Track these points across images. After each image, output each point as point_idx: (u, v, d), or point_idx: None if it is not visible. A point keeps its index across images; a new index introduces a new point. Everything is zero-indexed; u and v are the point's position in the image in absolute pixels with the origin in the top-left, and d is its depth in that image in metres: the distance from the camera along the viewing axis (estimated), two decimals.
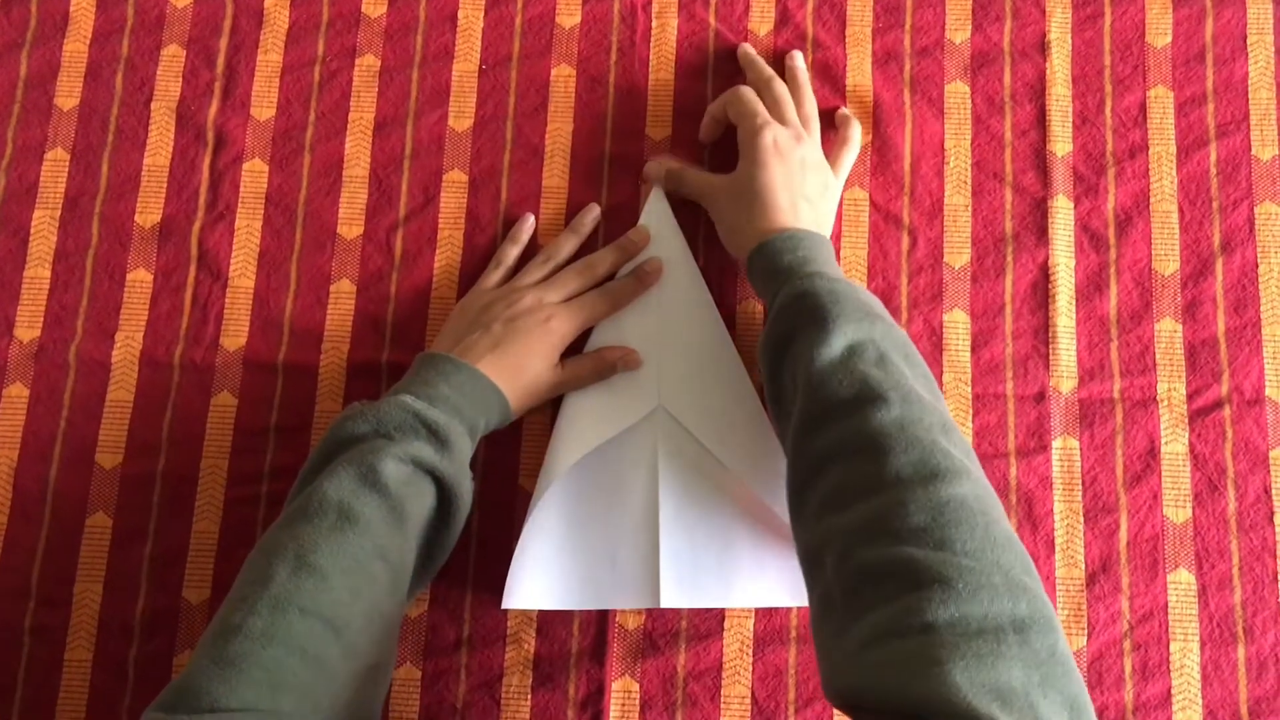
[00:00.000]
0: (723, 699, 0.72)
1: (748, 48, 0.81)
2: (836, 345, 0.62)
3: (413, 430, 0.65)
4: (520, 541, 0.73)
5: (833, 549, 0.57)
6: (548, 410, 0.76)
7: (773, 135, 0.73)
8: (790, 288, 0.66)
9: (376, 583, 0.61)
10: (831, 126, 0.80)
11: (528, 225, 0.79)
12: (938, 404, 0.62)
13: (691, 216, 0.79)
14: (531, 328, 0.72)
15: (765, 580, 0.72)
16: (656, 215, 0.79)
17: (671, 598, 0.72)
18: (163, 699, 0.55)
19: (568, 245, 0.78)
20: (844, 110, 0.80)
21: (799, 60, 0.80)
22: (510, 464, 0.76)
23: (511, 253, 0.78)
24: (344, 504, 0.61)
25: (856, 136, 0.79)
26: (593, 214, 0.79)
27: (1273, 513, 0.74)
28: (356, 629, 0.59)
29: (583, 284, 0.76)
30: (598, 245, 0.79)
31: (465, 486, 0.66)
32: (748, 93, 0.76)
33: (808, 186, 0.73)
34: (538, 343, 0.72)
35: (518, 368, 0.71)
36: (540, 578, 0.73)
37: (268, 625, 0.56)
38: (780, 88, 0.77)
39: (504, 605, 0.72)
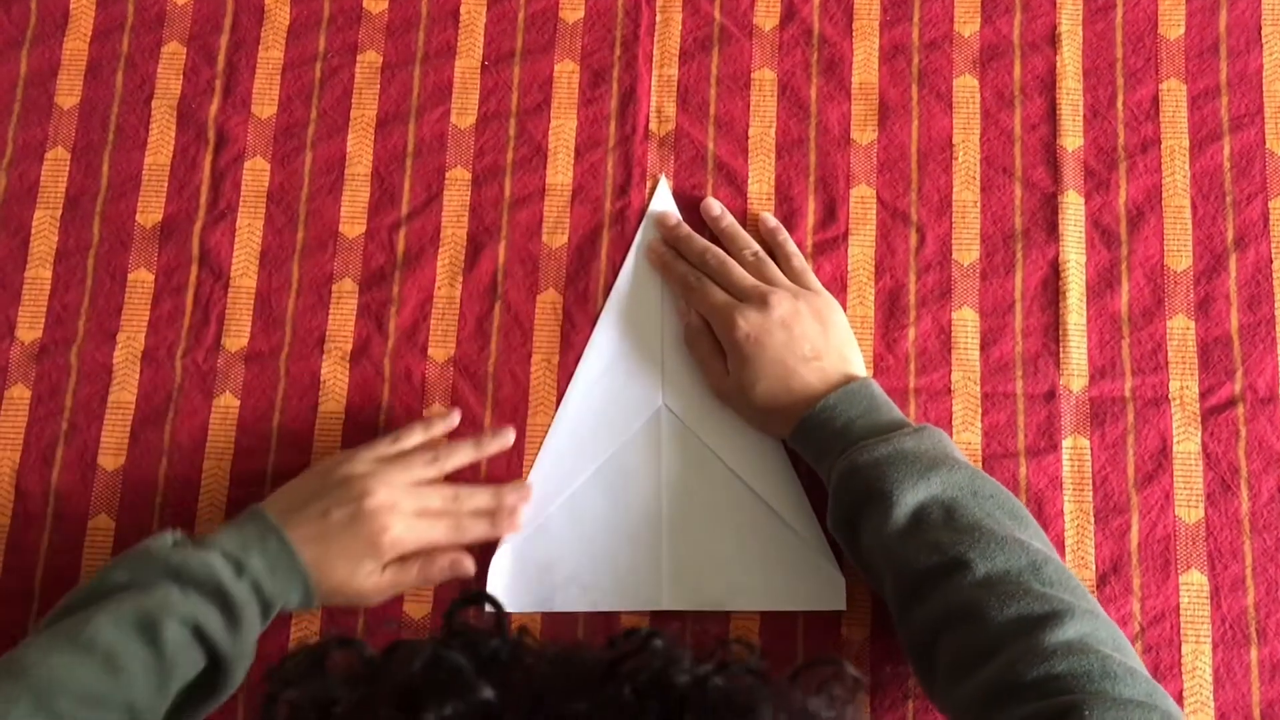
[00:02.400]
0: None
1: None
2: (900, 517, 0.62)
3: (209, 597, 0.61)
4: (516, 543, 0.72)
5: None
6: (549, 412, 0.75)
7: (744, 325, 0.70)
8: (837, 468, 0.66)
9: None
10: (764, 242, 0.77)
11: (450, 420, 0.73)
12: (1020, 534, 0.62)
13: (697, 215, 0.78)
14: (365, 533, 0.65)
15: (769, 583, 0.72)
16: (661, 208, 0.78)
17: (674, 600, 0.71)
18: None
19: (460, 456, 0.71)
20: (764, 215, 0.77)
21: (717, 209, 0.77)
22: (514, 467, 0.75)
23: (414, 438, 0.71)
24: (112, 650, 0.57)
25: (788, 237, 0.76)
26: (503, 438, 0.72)
27: None
28: None
29: (444, 508, 0.68)
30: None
31: (241, 668, 0.62)
32: (700, 290, 0.73)
33: (804, 347, 0.70)
34: (362, 549, 0.65)
35: (334, 567, 0.65)
36: (543, 580, 0.72)
37: None
38: (712, 257, 0.74)
39: (507, 609, 0.72)
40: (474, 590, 0.50)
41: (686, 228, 0.77)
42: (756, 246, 0.76)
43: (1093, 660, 0.55)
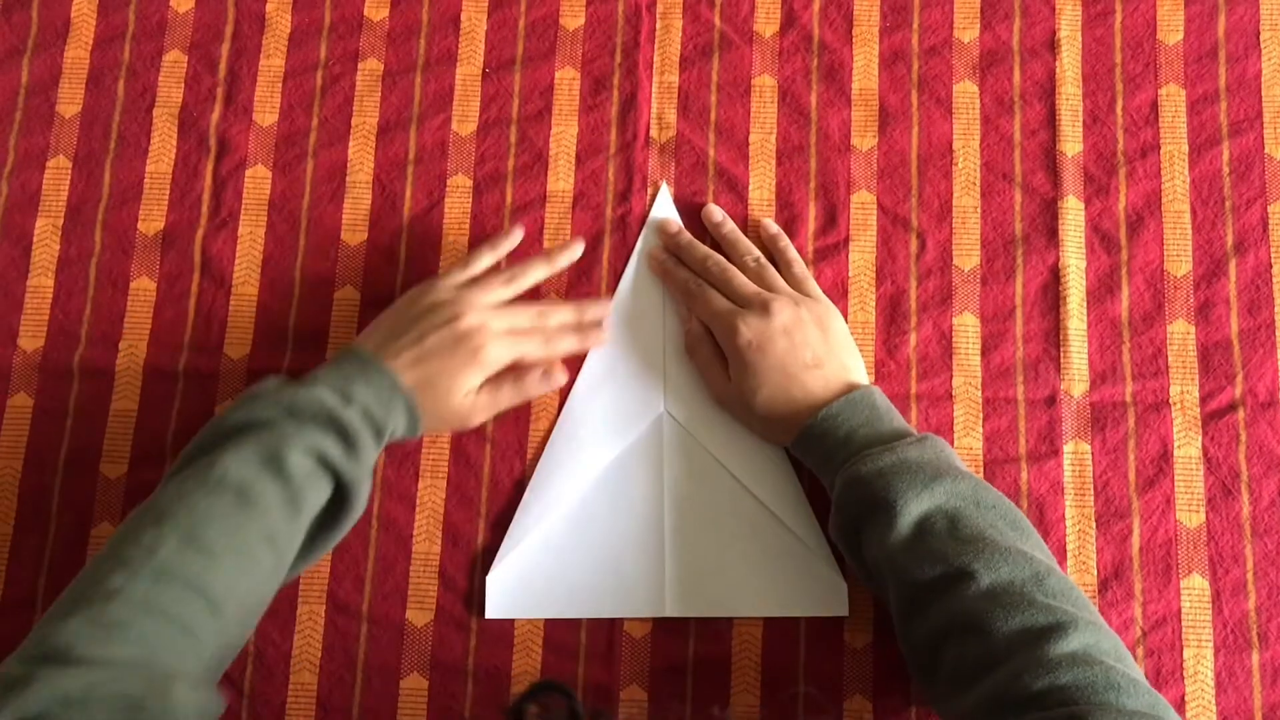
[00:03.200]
0: (731, 707, 0.71)
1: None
2: (903, 527, 0.62)
3: (324, 426, 0.64)
4: (518, 549, 0.72)
5: None
6: (550, 418, 0.75)
7: (745, 332, 0.70)
8: (840, 478, 0.66)
9: (260, 567, 0.61)
10: (765, 249, 0.77)
11: (513, 238, 0.75)
12: (1022, 545, 0.62)
13: (698, 222, 0.78)
14: (461, 351, 0.68)
15: (771, 589, 0.72)
16: (663, 215, 0.78)
17: (677, 607, 0.72)
18: (28, 651, 0.55)
19: (535, 272, 0.73)
20: (765, 222, 0.78)
21: (718, 215, 0.77)
22: (516, 472, 0.75)
23: (484, 261, 0.73)
24: (244, 485, 0.60)
25: (789, 244, 0.77)
26: (572, 251, 0.75)
27: None
28: (232, 610, 0.59)
29: (532, 325, 0.71)
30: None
31: (364, 492, 0.66)
32: (701, 297, 0.73)
33: (806, 354, 0.70)
34: (461, 368, 0.68)
35: (436, 389, 0.68)
36: (545, 586, 0.72)
37: (149, 594, 0.56)
38: (714, 264, 0.74)
39: (509, 615, 0.72)
40: (542, 681, 0.52)
41: (688, 234, 0.77)
42: (758, 253, 0.76)
43: (1096, 671, 0.55)
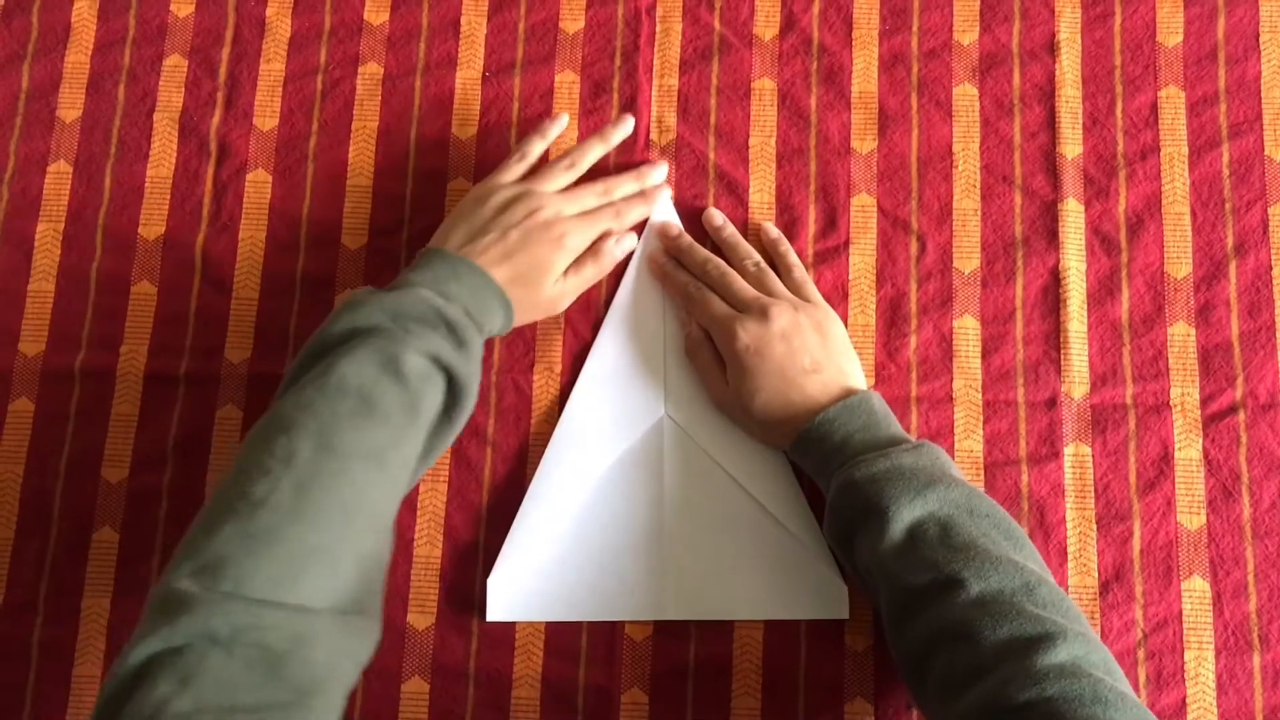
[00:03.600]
0: (732, 710, 0.71)
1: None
2: (896, 533, 0.62)
3: (432, 325, 0.65)
4: (519, 552, 0.72)
5: None
6: (551, 421, 0.75)
7: (744, 337, 0.70)
8: (835, 481, 0.66)
9: (387, 472, 0.61)
10: (765, 252, 0.77)
11: (560, 123, 0.77)
12: (1014, 555, 0.62)
13: (698, 225, 0.79)
14: (545, 241, 0.71)
15: (772, 592, 0.72)
16: (664, 219, 0.78)
17: (677, 610, 0.72)
18: (184, 568, 0.54)
19: (593, 153, 0.76)
20: (766, 226, 0.78)
21: (719, 219, 0.78)
22: (519, 473, 0.75)
23: (536, 148, 0.76)
24: (365, 390, 0.61)
25: (790, 249, 0.77)
26: (624, 126, 0.78)
27: None
28: (366, 516, 0.59)
29: (600, 203, 0.75)
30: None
31: (475, 385, 0.66)
32: (701, 301, 0.74)
33: (804, 359, 0.70)
34: (549, 257, 0.71)
35: (527, 280, 0.71)
36: (546, 589, 0.72)
37: (293, 503, 0.56)
38: (714, 267, 0.74)
39: (509, 618, 0.72)
40: None
41: (688, 238, 0.77)
42: (758, 257, 0.76)
43: (1084, 684, 0.54)
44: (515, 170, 0.75)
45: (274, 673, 0.52)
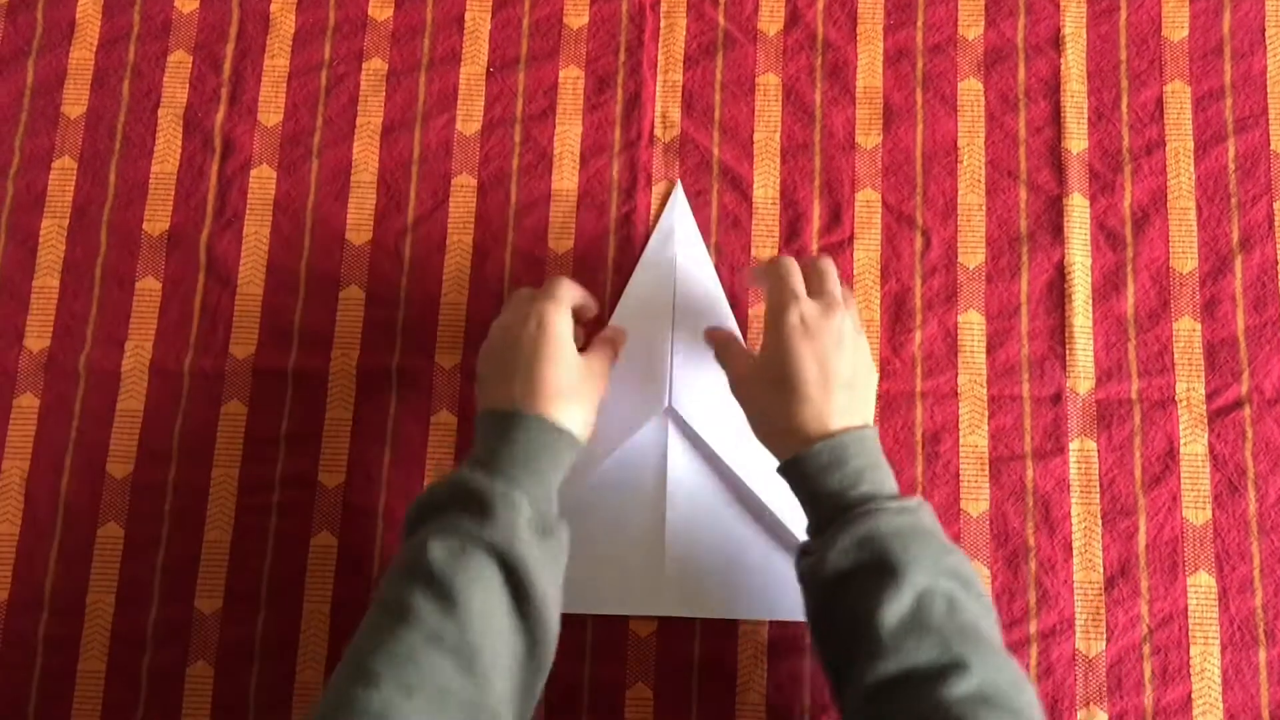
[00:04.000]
0: (737, 706, 0.71)
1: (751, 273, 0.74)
2: (906, 598, 0.58)
3: (455, 503, 0.61)
4: None
5: None
6: None
7: (799, 312, 0.65)
8: (854, 527, 0.61)
9: (436, 671, 0.55)
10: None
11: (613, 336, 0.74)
12: (995, 638, 0.59)
13: (704, 219, 0.78)
14: (525, 331, 0.66)
15: (770, 592, 0.72)
16: (678, 214, 0.78)
17: (676, 606, 0.72)
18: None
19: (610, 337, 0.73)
20: (817, 258, 0.73)
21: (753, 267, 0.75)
22: None
23: (568, 292, 0.71)
24: (395, 599, 0.57)
25: (834, 276, 0.70)
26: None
27: None
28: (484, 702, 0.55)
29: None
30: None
31: (525, 551, 0.59)
32: (785, 263, 0.68)
33: (843, 368, 0.65)
34: (538, 340, 0.66)
35: (543, 378, 0.65)
36: None
37: (389, 698, 0.54)
38: (785, 264, 0.69)
39: None
40: None
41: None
42: (795, 269, 0.70)
43: None
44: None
45: None
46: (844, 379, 0.65)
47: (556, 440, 0.64)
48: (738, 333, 0.76)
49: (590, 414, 0.67)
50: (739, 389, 0.69)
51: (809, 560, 0.62)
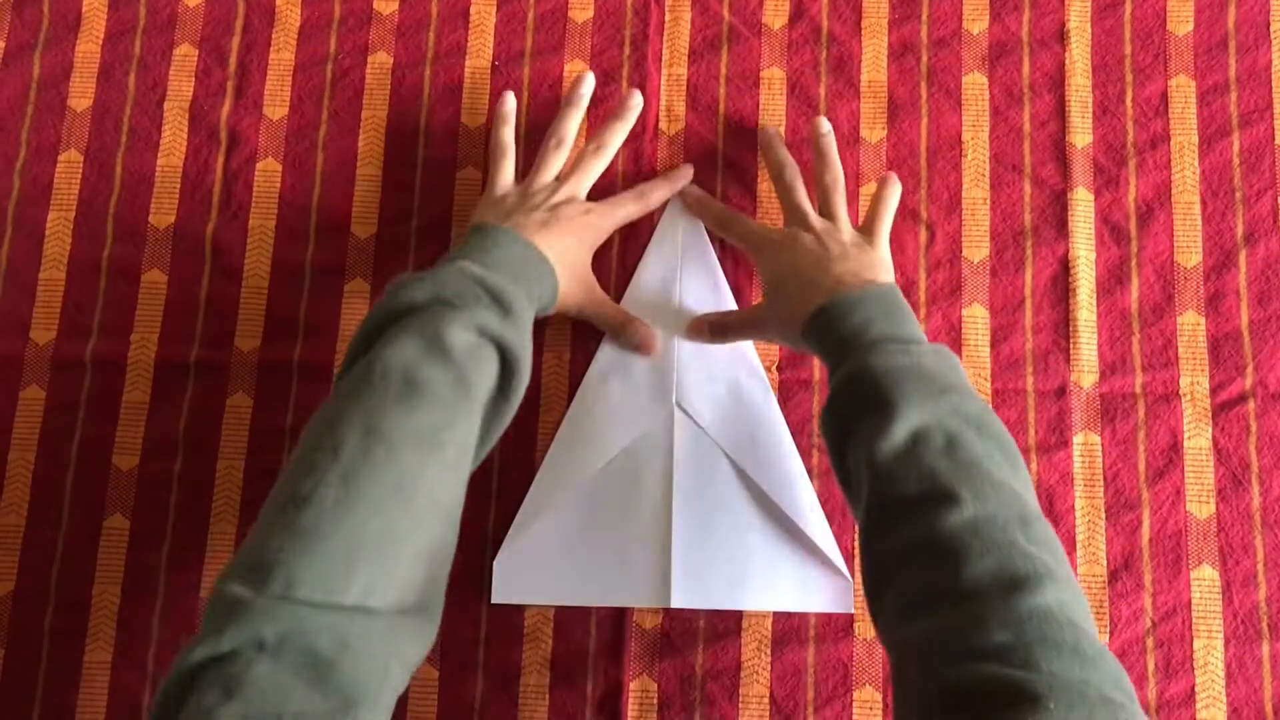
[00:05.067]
0: (741, 699, 0.71)
1: (770, 130, 0.79)
2: (899, 434, 0.58)
3: (475, 297, 0.63)
4: (525, 535, 0.73)
5: (913, 661, 0.53)
6: (561, 409, 0.76)
7: (776, 235, 0.72)
8: (848, 365, 0.62)
9: (443, 454, 0.58)
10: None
11: (510, 104, 0.79)
12: (1015, 484, 0.57)
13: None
14: (575, 217, 0.72)
15: (777, 584, 0.72)
16: (682, 209, 0.79)
17: (682, 598, 0.72)
18: (236, 569, 0.53)
19: (572, 123, 0.77)
20: (887, 174, 0.77)
21: (825, 127, 0.77)
22: (528, 460, 0.75)
23: (508, 136, 0.77)
24: (409, 372, 0.58)
25: (891, 193, 0.75)
26: (586, 84, 0.79)
27: None
28: (423, 502, 0.56)
29: (602, 168, 0.76)
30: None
31: (527, 356, 0.64)
32: (738, 219, 0.76)
33: (835, 249, 0.69)
34: (582, 231, 0.72)
35: (566, 250, 0.71)
36: (553, 574, 0.72)
37: (340, 495, 0.54)
38: (789, 175, 0.75)
39: (514, 601, 0.72)
40: None
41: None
42: (839, 176, 0.75)
43: (1065, 634, 0.50)
44: (504, 169, 0.76)
45: (321, 679, 0.50)
46: (834, 255, 0.69)
47: (548, 277, 0.69)
48: None
49: (573, 297, 0.73)
50: (766, 333, 0.74)
51: (822, 413, 0.64)
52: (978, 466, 0.57)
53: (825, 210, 0.73)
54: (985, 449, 0.58)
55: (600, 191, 0.78)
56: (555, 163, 0.76)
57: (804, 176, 0.76)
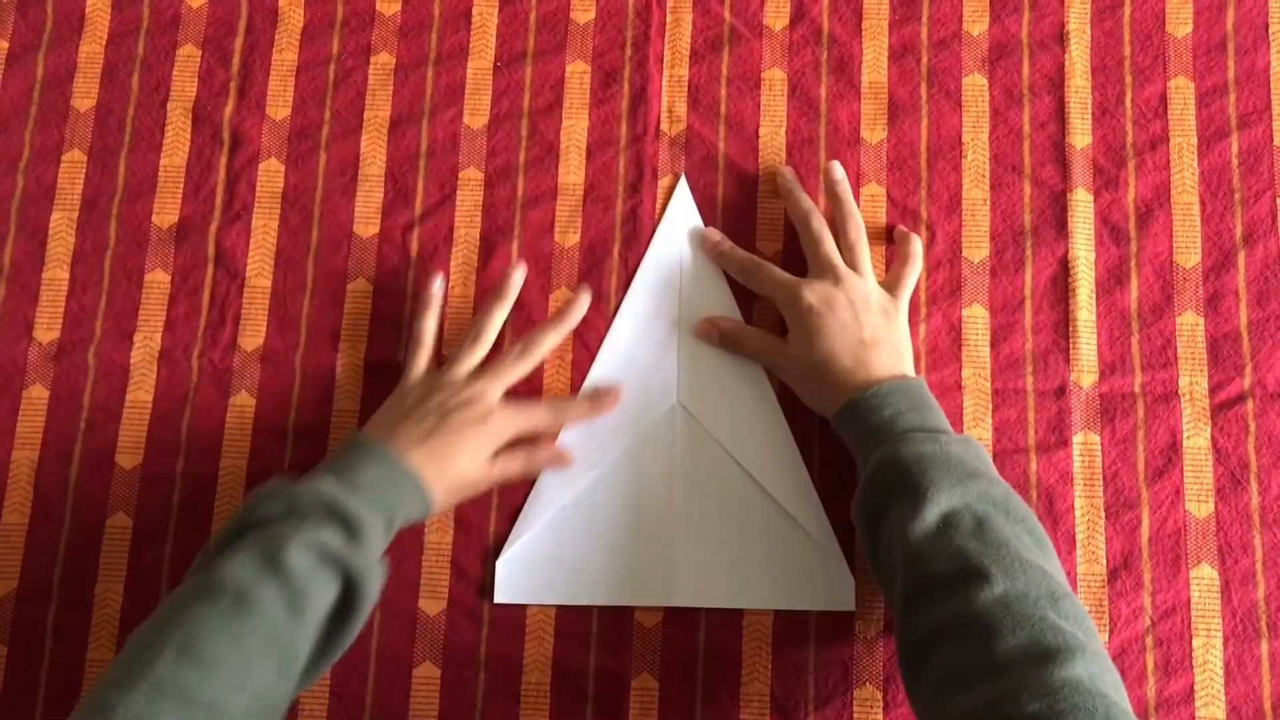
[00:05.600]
0: (742, 696, 0.72)
1: (787, 173, 0.78)
2: (930, 517, 0.61)
3: (324, 518, 0.62)
4: (528, 535, 0.73)
5: None
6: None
7: (809, 295, 0.71)
8: (878, 454, 0.65)
9: (264, 673, 0.58)
10: (890, 242, 0.78)
11: (436, 289, 0.75)
12: (1046, 564, 0.60)
13: (715, 211, 0.79)
14: (468, 423, 0.69)
15: (778, 583, 0.72)
16: (683, 209, 0.79)
17: (684, 596, 0.72)
18: None
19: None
20: (901, 228, 0.78)
21: (838, 173, 0.77)
22: None
23: (429, 327, 0.74)
24: (241, 589, 0.58)
25: (917, 252, 0.76)
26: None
27: None
28: (236, 718, 0.56)
29: (523, 372, 0.73)
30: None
31: (373, 581, 0.63)
32: (763, 269, 0.74)
33: (865, 330, 0.70)
34: (472, 440, 0.69)
35: (447, 461, 0.68)
36: (555, 573, 0.73)
37: (142, 711, 0.53)
38: (817, 224, 0.75)
39: (517, 600, 0.73)
40: None
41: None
42: (862, 227, 0.75)
43: (1097, 703, 0.52)
44: (420, 361, 0.73)
45: None
46: (865, 339, 0.70)
47: (416, 497, 0.67)
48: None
49: (451, 500, 0.70)
50: (783, 375, 0.74)
51: (855, 504, 0.66)
52: (1006, 546, 0.60)
53: (850, 262, 0.74)
54: (1013, 530, 0.61)
55: (602, 194, 0.79)
56: (469, 360, 0.73)
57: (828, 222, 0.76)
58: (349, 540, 0.62)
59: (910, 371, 0.71)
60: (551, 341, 0.74)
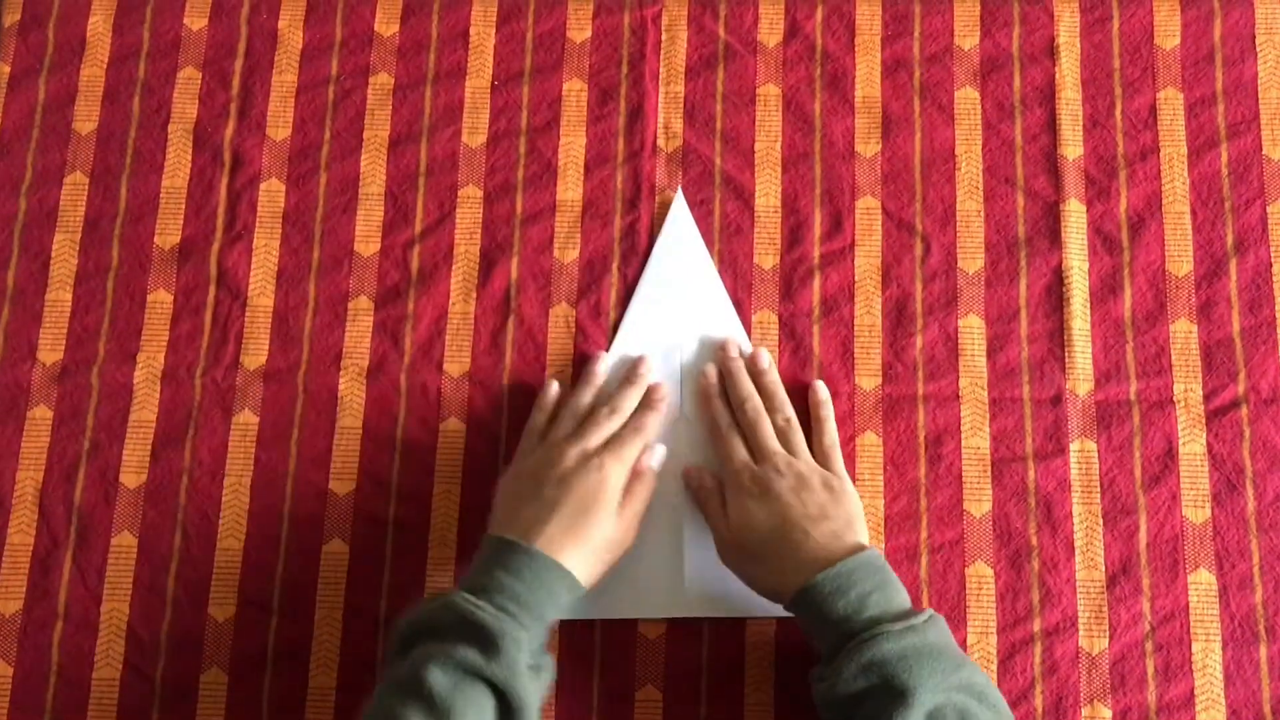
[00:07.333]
0: (745, 707, 0.72)
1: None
2: (915, 717, 0.60)
3: (458, 633, 0.62)
4: None
5: None
6: None
7: (751, 485, 0.70)
8: (858, 656, 0.62)
9: None
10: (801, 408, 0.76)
11: (553, 392, 0.76)
12: None
13: (707, 225, 0.80)
14: (584, 480, 0.68)
15: None
16: (679, 225, 0.80)
17: (694, 608, 0.72)
18: None
19: (586, 395, 0.75)
20: (816, 385, 0.76)
21: (765, 361, 0.76)
22: None
23: (540, 420, 0.75)
24: (389, 714, 0.59)
25: (823, 401, 0.75)
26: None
27: None
28: None
29: (614, 427, 0.73)
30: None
31: (524, 688, 0.61)
32: (728, 443, 0.73)
33: (812, 508, 0.68)
34: (596, 495, 0.68)
35: (583, 530, 0.67)
36: None
37: None
38: (751, 409, 0.73)
39: None
40: None
41: (741, 363, 0.76)
42: (791, 413, 0.74)
43: None
44: (530, 450, 0.73)
45: None
46: (812, 515, 0.68)
47: (560, 583, 0.65)
48: (743, 337, 0.77)
49: (602, 566, 0.69)
50: (723, 558, 0.71)
51: (822, 687, 0.64)
52: None
53: (785, 444, 0.72)
54: (989, 717, 0.61)
55: (600, 211, 0.80)
56: (565, 427, 0.73)
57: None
58: (484, 654, 0.61)
59: (864, 538, 0.69)
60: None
